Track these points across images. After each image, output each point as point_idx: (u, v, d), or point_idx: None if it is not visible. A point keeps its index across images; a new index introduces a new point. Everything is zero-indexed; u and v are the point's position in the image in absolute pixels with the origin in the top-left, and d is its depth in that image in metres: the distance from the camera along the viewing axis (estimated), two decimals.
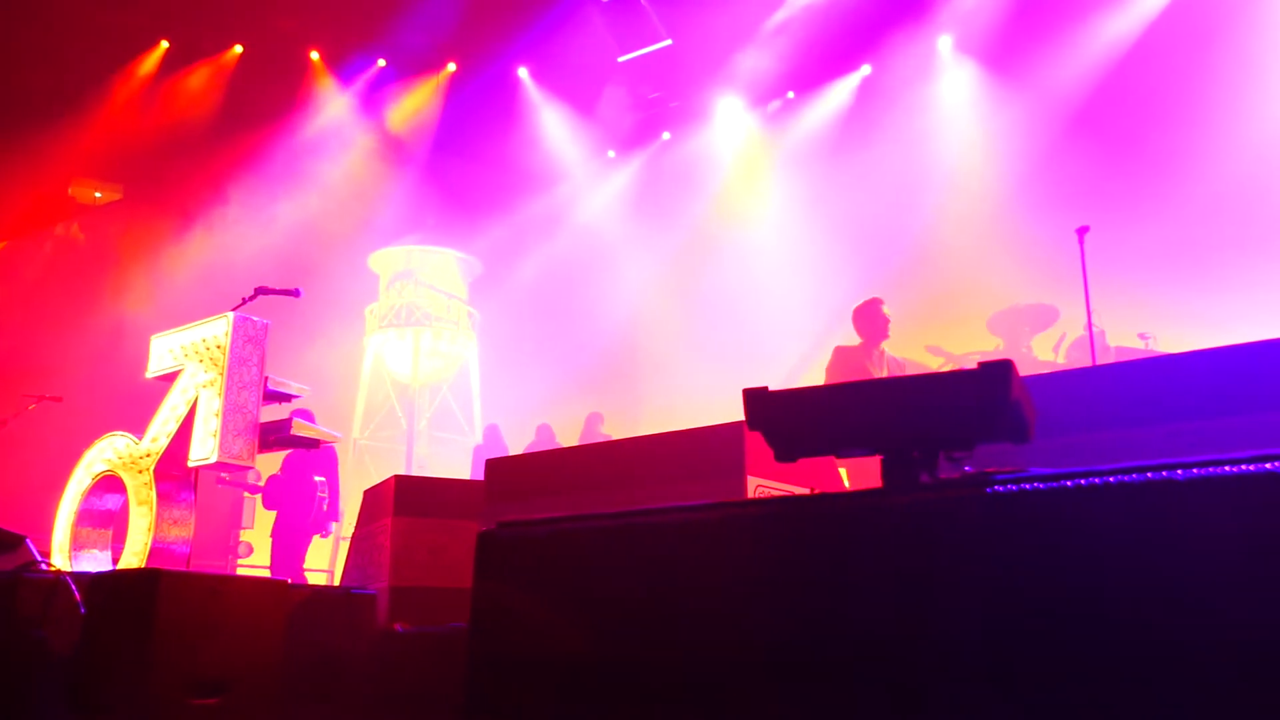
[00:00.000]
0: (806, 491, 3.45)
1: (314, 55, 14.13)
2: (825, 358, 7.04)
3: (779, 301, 12.64)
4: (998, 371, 1.64)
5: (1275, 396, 2.61)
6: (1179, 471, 1.40)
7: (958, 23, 11.66)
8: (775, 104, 13.45)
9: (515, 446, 12.11)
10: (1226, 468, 1.37)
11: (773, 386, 1.88)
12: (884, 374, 6.74)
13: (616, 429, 12.09)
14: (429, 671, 3.40)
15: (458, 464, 14.22)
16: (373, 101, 14.52)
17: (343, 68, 14.22)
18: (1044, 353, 9.26)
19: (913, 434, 1.78)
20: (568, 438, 12.01)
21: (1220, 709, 1.31)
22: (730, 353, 12.88)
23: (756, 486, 3.34)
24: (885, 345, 6.89)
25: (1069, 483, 1.47)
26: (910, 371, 7.12)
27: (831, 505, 1.73)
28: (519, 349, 15.07)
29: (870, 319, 6.88)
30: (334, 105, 14.33)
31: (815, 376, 11.33)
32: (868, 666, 1.59)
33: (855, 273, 10.77)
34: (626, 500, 3.49)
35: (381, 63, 14.24)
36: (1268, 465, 1.33)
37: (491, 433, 12.51)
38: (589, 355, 14.41)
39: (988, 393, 1.66)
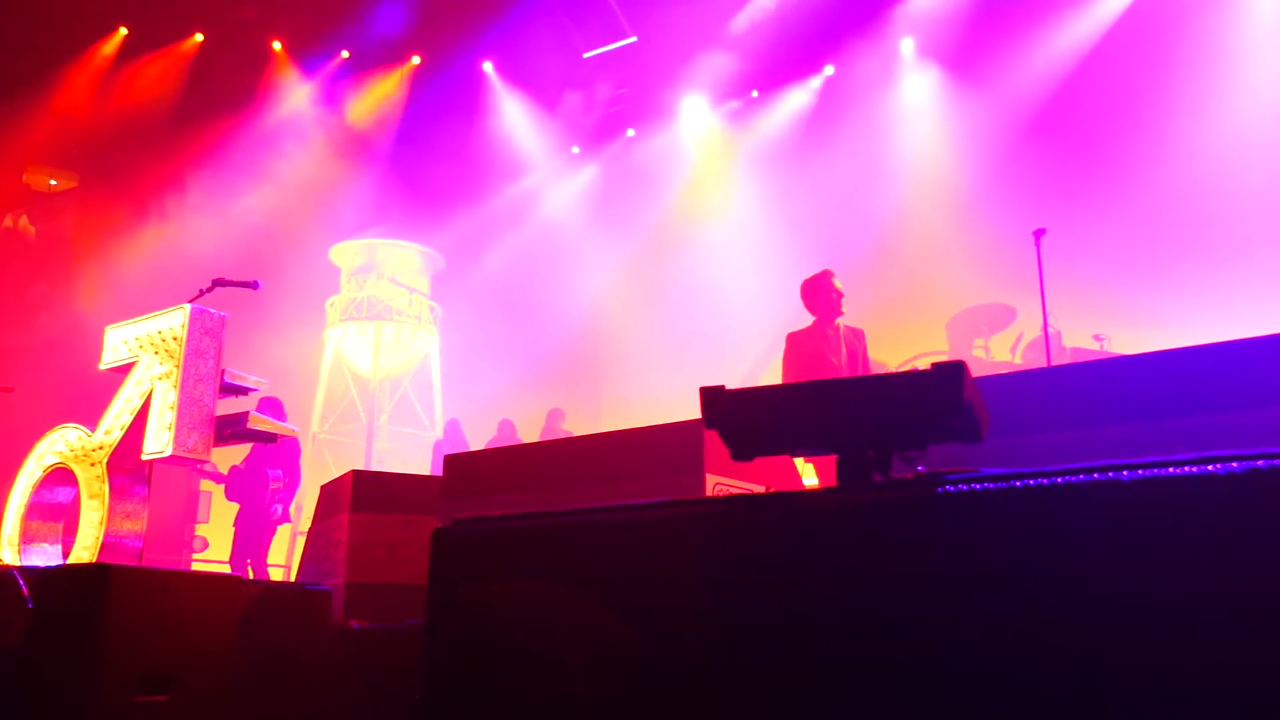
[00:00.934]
0: (764, 489, 3.47)
1: (276, 45, 13.97)
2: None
3: (742, 298, 12.69)
4: (950, 372, 1.66)
5: (1227, 398, 2.66)
6: (1124, 473, 1.42)
7: (920, 26, 11.76)
8: (738, 103, 13.49)
9: (477, 442, 12.06)
10: (1171, 469, 1.40)
11: (734, 384, 1.89)
12: (842, 352, 6.34)
13: (579, 425, 12.08)
14: (384, 668, 3.38)
15: (418, 459, 14.15)
16: (335, 93, 14.39)
17: (305, 58, 14.08)
18: (1001, 353, 9.37)
19: (867, 434, 1.79)
20: (530, 433, 11.98)
21: (1170, 704, 1.34)
22: (693, 349, 12.92)
23: (715, 484, 3.36)
24: (840, 321, 6.36)
25: (1018, 483, 1.49)
26: (868, 341, 6.55)
27: (786, 504, 1.74)
28: (481, 344, 15.00)
29: (819, 294, 6.37)
30: (296, 96, 14.19)
31: (777, 373, 11.39)
32: (821, 662, 1.60)
33: (817, 271, 10.81)
34: (585, 497, 3.50)
35: (345, 54, 14.11)
36: (1210, 467, 1.36)
37: (452, 428, 12.45)
38: (552, 351, 14.39)
39: (941, 393, 1.67)
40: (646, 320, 14.06)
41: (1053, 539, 1.46)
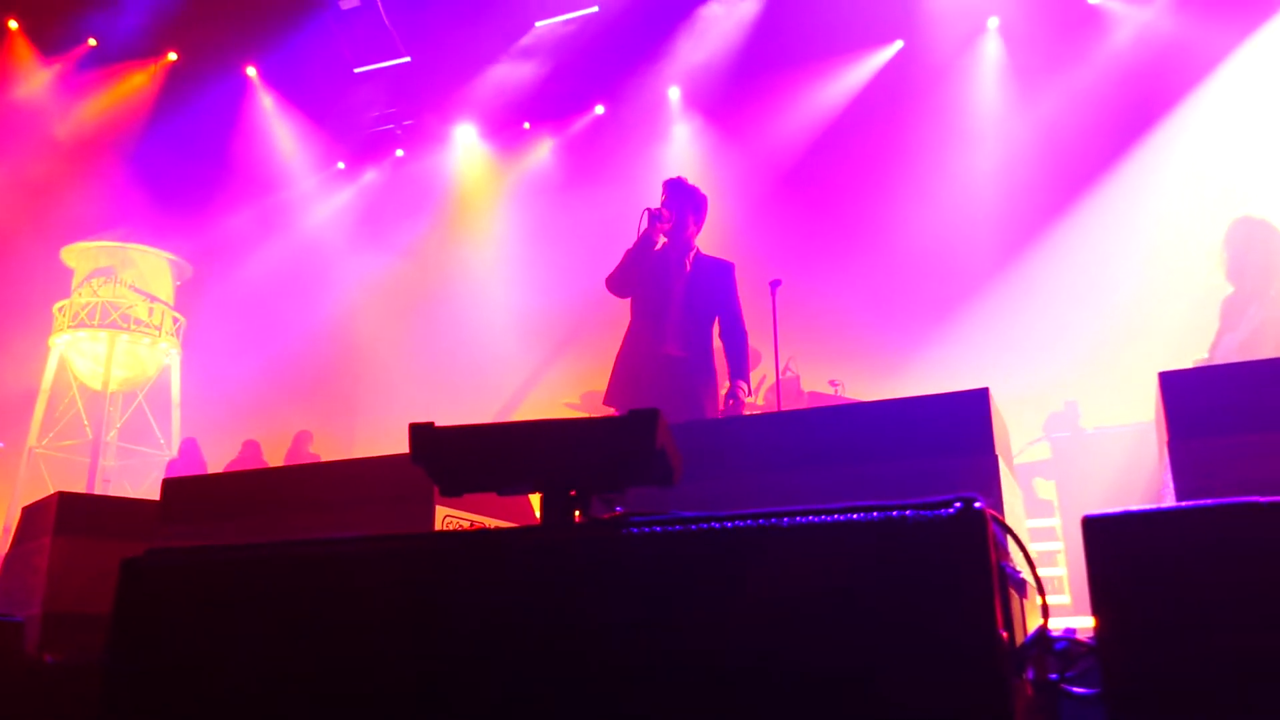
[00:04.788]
0: (489, 522, 3.52)
1: (12, 24, 12.88)
2: (548, 388, 6.94)
3: (504, 326, 12.70)
4: (643, 420, 1.76)
5: (932, 444, 2.92)
6: (784, 519, 1.56)
7: (687, 77, 12.23)
8: (508, 133, 13.50)
9: (217, 464, 11.45)
10: (824, 517, 1.55)
11: (494, 410, 1.93)
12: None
13: (329, 449, 11.70)
14: (78, 705, 3.16)
15: (151, 479, 13.27)
16: (79, 83, 13.37)
17: (46, 41, 13.03)
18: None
19: (569, 475, 1.88)
20: (276, 456, 11.50)
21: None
22: (452, 377, 12.79)
23: (445, 517, 3.37)
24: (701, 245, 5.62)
25: (694, 526, 1.61)
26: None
27: (484, 540, 1.79)
28: (229, 359, 14.24)
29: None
30: (33, 80, 13.10)
31: (533, 408, 11.48)
32: (514, 698, 1.65)
33: (576, 310, 10.98)
34: (309, 525, 3.43)
35: (92, 42, 13.16)
36: (853, 515, 1.52)
37: (189, 447, 11.77)
38: (306, 370, 13.86)
39: (634, 440, 1.78)
40: (407, 343, 13.82)
41: (723, 578, 1.59)
